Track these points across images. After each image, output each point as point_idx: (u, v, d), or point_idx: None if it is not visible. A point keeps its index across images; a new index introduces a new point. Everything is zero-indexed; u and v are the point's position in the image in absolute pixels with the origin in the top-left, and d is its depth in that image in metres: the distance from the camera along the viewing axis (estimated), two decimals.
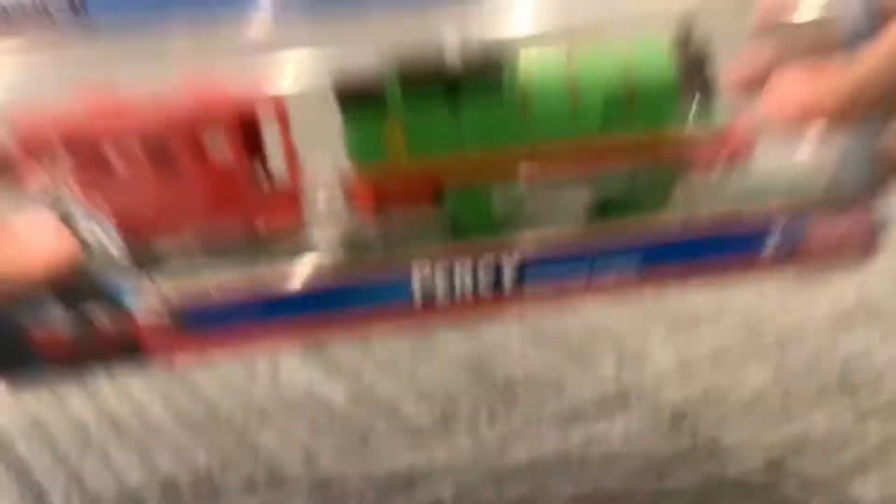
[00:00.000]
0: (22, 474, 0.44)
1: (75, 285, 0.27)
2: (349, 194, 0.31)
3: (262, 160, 0.31)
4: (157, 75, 0.29)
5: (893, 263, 0.34)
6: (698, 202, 0.32)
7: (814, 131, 0.33)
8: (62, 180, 0.28)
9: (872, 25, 0.28)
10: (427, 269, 0.30)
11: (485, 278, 0.30)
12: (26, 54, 0.29)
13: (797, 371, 0.48)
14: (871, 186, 0.31)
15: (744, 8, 0.33)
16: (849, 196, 0.32)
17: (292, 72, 0.29)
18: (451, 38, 0.30)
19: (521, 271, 0.31)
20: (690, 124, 0.32)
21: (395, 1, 0.30)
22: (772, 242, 0.32)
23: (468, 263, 0.30)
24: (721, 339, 0.51)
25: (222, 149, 0.29)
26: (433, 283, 0.30)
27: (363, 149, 0.30)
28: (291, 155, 0.30)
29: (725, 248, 0.32)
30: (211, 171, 0.29)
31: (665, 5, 0.33)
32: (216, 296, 0.29)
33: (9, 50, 0.29)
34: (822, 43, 0.30)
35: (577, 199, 0.32)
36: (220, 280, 0.29)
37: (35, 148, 0.28)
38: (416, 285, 0.30)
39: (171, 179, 0.29)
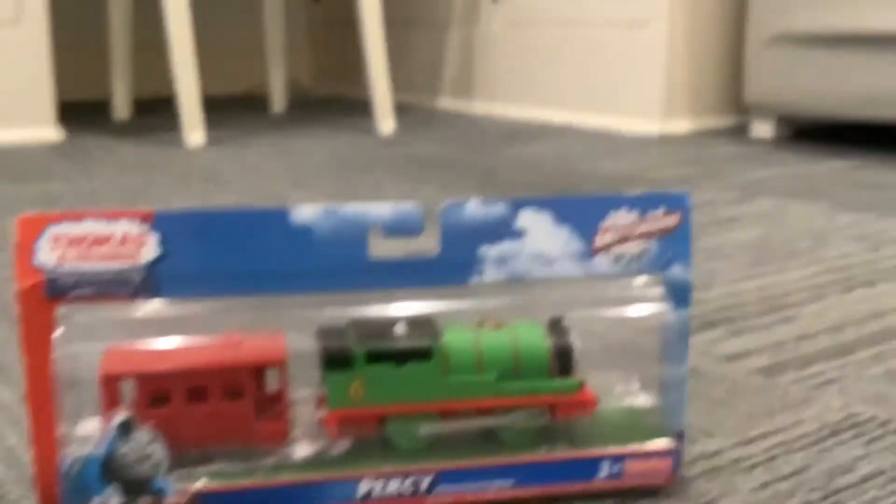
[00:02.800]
0: None
1: (135, 482, 0.41)
2: (322, 422, 0.45)
3: (264, 393, 0.45)
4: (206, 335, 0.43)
5: None
6: (560, 438, 0.47)
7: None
8: (130, 408, 0.42)
9: None
10: (370, 478, 0.44)
11: (408, 487, 0.45)
12: (111, 312, 0.43)
13: None
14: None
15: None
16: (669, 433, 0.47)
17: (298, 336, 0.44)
18: (399, 323, 0.45)
19: (433, 484, 0.45)
20: (556, 384, 0.47)
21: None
22: (603, 472, 0.47)
23: (398, 476, 0.44)
24: None
25: (242, 386, 0.43)
26: (372, 488, 0.44)
27: (335, 397, 0.45)
28: (285, 393, 0.44)
29: (573, 474, 0.47)
30: (231, 406, 0.43)
31: None
32: (225, 488, 0.42)
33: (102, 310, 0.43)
34: None
35: (476, 431, 0.47)
36: (228, 479, 0.43)
37: (115, 383, 0.42)
38: (361, 489, 0.44)
39: (204, 410, 0.43)
